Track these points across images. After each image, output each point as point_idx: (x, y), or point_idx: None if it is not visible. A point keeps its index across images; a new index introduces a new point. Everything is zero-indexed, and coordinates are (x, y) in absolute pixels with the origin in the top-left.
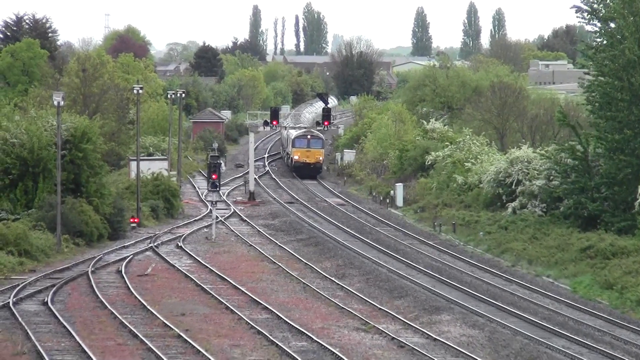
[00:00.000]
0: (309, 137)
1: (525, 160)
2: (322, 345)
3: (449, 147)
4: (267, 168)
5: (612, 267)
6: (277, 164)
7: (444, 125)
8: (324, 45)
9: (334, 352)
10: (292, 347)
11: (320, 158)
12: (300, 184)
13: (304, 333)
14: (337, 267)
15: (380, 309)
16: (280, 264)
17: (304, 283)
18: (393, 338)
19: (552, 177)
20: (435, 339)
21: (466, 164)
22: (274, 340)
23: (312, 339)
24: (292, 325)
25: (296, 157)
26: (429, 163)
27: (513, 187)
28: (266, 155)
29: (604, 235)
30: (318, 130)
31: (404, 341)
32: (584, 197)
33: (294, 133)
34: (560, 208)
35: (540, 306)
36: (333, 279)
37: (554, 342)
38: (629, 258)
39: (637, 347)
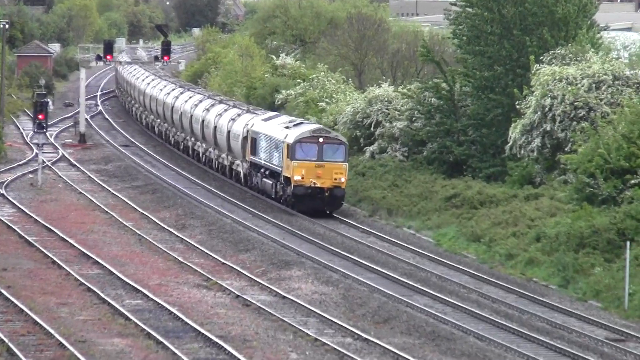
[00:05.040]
0: (321, 140)
1: (386, 99)
2: (159, 303)
3: (302, 84)
4: (100, 107)
5: (479, 217)
6: (111, 103)
7: (296, 61)
8: None
9: (172, 312)
10: (126, 305)
11: (342, 179)
12: (135, 125)
13: (139, 290)
14: (176, 217)
15: (224, 263)
16: (113, 213)
17: (139, 235)
18: (238, 296)
19: (414, 119)
20: (284, 297)
21: (320, 103)
22: (106, 298)
23: (148, 296)
24: (126, 282)
25: (298, 178)
26: (279, 102)
27: (372, 129)
28: (99, 94)
29: (471, 182)
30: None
31: (250, 299)
32: (449, 141)
33: (288, 132)
34: (423, 152)
35: (400, 261)
36: (172, 230)
37: (415, 300)
38: (498, 208)
39: (505, 305)
